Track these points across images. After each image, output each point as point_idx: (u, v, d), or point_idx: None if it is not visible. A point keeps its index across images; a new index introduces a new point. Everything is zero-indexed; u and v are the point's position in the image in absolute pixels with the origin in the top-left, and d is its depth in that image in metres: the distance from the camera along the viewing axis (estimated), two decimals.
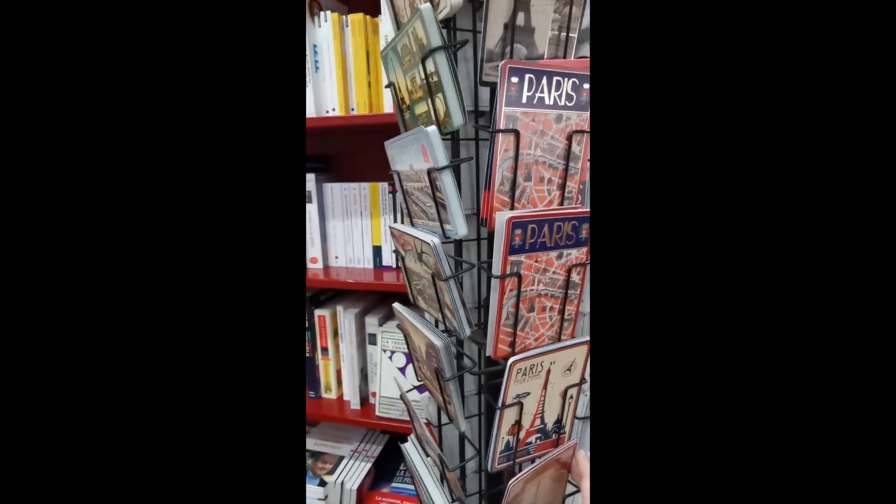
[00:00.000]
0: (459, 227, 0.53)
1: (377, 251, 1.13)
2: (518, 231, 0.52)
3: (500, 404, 0.57)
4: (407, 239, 0.61)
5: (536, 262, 0.54)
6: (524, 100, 0.51)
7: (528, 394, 0.59)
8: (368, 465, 1.17)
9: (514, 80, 0.50)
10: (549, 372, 0.59)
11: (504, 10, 0.54)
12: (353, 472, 1.15)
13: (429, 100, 0.55)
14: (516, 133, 0.52)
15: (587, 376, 0.63)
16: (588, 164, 0.56)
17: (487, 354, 0.57)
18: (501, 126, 0.51)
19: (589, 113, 0.54)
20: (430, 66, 0.52)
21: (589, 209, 0.53)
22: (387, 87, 0.66)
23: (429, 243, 0.54)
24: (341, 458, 1.20)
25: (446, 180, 0.52)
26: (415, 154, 0.55)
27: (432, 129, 0.50)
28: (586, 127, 0.55)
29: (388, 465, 1.23)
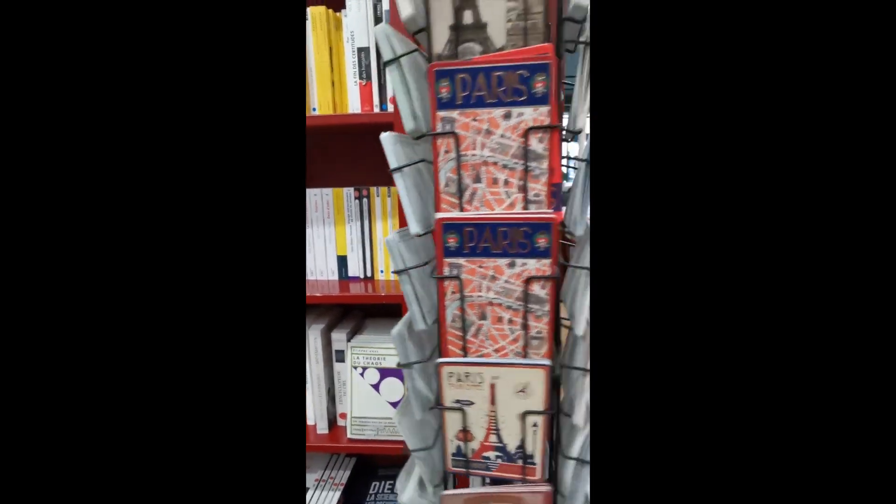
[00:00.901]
0: (412, 225, 0.55)
1: (342, 261, 1.06)
2: (451, 234, 0.52)
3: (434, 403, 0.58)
4: None
5: (481, 267, 0.53)
6: (459, 100, 0.50)
7: (472, 403, 0.58)
8: (337, 495, 1.08)
9: (444, 82, 0.50)
10: (493, 387, 0.56)
11: (447, 12, 0.52)
12: None
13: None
14: (454, 135, 0.51)
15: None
16: (560, 164, 0.53)
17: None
18: (438, 129, 0.52)
19: (549, 107, 0.48)
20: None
21: (554, 215, 0.51)
22: None
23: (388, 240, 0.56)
24: (306, 489, 1.10)
25: (398, 182, 0.54)
26: None
27: (385, 134, 0.53)
28: (547, 122, 0.49)
29: (358, 489, 1.15)
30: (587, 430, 0.56)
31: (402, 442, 0.82)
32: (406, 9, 0.52)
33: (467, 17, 0.52)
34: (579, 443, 0.57)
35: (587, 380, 0.53)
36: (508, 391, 0.56)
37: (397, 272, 0.56)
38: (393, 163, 0.54)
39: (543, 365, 0.53)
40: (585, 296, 0.52)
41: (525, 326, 0.54)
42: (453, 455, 0.61)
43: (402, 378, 0.99)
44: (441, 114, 0.51)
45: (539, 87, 0.48)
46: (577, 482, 0.59)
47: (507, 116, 0.49)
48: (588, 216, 0.52)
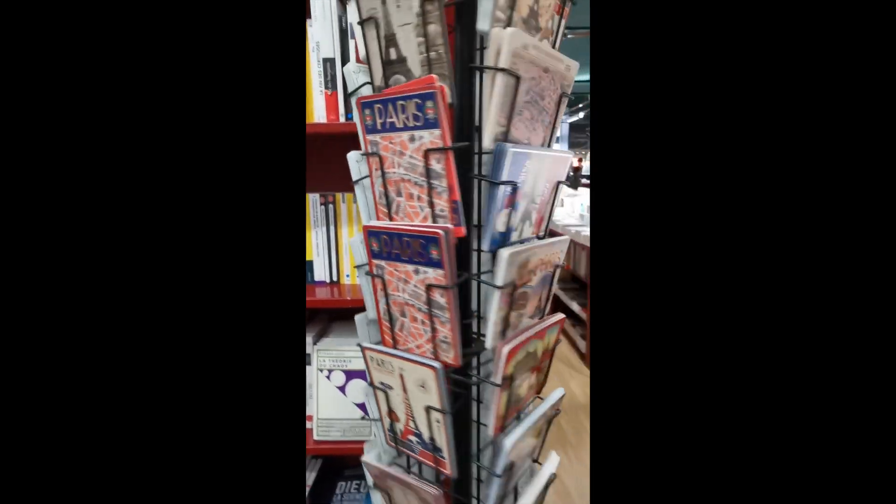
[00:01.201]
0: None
1: (309, 266, 1.07)
2: (373, 239, 0.59)
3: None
4: None
5: (396, 270, 0.59)
6: (379, 126, 0.56)
7: (391, 388, 0.65)
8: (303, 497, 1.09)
9: (367, 111, 0.57)
10: (402, 377, 0.62)
11: (376, 49, 0.59)
12: None
13: None
14: (377, 155, 0.58)
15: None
16: (456, 182, 0.54)
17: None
18: (368, 150, 0.59)
19: (440, 130, 0.52)
20: None
21: (451, 229, 0.54)
22: None
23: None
24: None
25: (357, 192, 0.67)
26: None
27: (351, 153, 0.66)
28: (440, 144, 0.52)
29: (325, 490, 1.17)
30: (498, 439, 0.61)
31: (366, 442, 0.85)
32: (361, 48, 0.61)
33: (392, 53, 0.58)
34: (489, 452, 0.62)
35: (498, 391, 0.58)
36: (413, 383, 0.61)
37: (357, 266, 0.66)
38: (354, 176, 0.63)
39: (432, 366, 0.57)
40: (492, 309, 0.56)
41: (434, 330, 0.58)
42: (389, 431, 0.69)
43: (367, 379, 1.02)
44: (369, 137, 0.58)
45: (430, 112, 0.52)
46: (487, 489, 0.65)
47: (412, 139, 0.54)
48: (491, 233, 0.55)
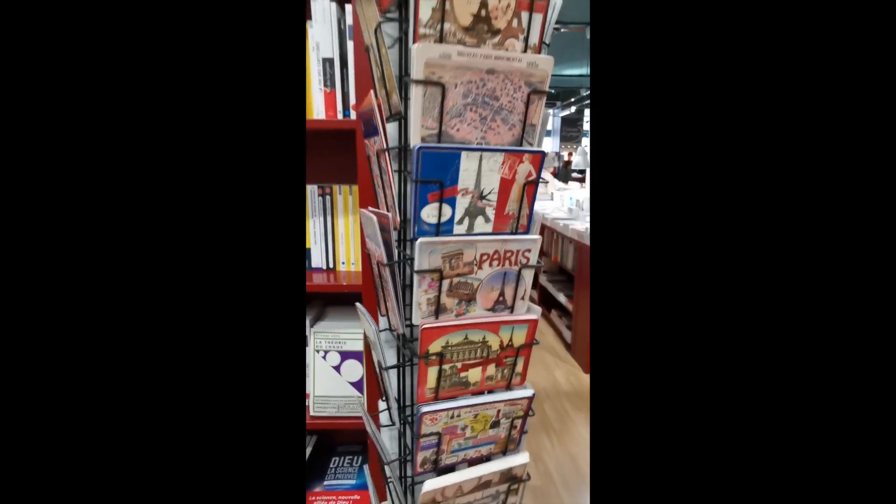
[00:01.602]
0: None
1: (307, 253, 1.14)
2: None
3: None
4: None
5: (373, 250, 0.73)
6: (369, 132, 0.69)
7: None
8: None
9: (363, 122, 0.70)
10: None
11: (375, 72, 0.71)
12: None
13: None
14: (368, 156, 0.71)
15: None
16: (392, 179, 0.63)
17: None
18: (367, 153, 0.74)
19: (379, 136, 0.62)
20: None
21: (389, 218, 0.62)
22: None
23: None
24: None
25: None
26: None
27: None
28: (383, 147, 0.63)
29: (320, 465, 1.25)
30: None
31: (360, 418, 0.92)
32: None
33: (376, 73, 0.67)
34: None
35: (420, 363, 0.66)
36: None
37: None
38: None
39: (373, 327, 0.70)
40: (415, 290, 0.62)
41: (385, 300, 0.71)
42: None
43: (360, 360, 1.09)
44: (366, 141, 0.72)
45: (376, 121, 0.61)
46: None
47: (374, 143, 0.66)
48: (418, 224, 0.61)
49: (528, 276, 0.69)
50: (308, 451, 1.24)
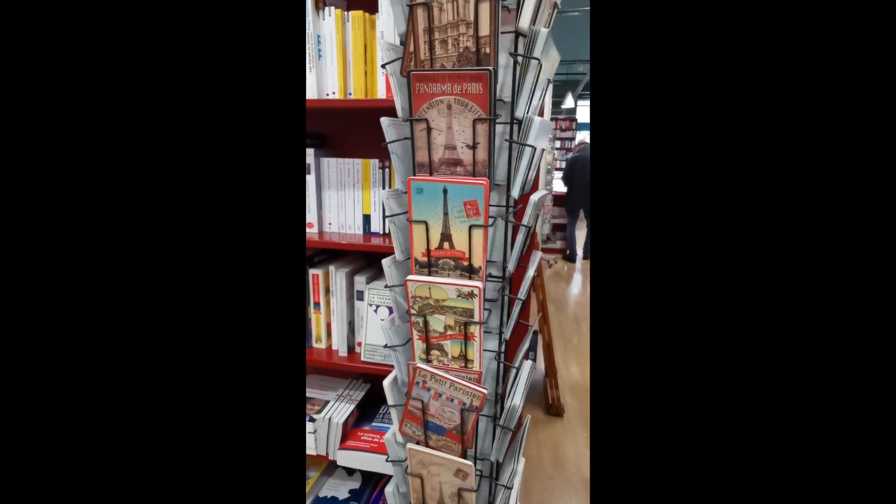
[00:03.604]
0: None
1: (367, 219, 1.29)
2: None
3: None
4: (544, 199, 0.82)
5: None
6: None
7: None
8: (352, 407, 1.34)
9: None
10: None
11: None
12: (339, 411, 1.32)
13: None
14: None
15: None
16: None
17: None
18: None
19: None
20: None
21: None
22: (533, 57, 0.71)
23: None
24: (327, 401, 1.37)
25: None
26: (546, 136, 0.79)
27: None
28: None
29: (370, 409, 1.41)
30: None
31: None
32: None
33: None
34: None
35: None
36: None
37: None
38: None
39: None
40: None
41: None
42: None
43: None
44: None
45: None
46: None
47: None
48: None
49: None
50: (361, 394, 1.40)
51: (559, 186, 5.92)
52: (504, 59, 0.70)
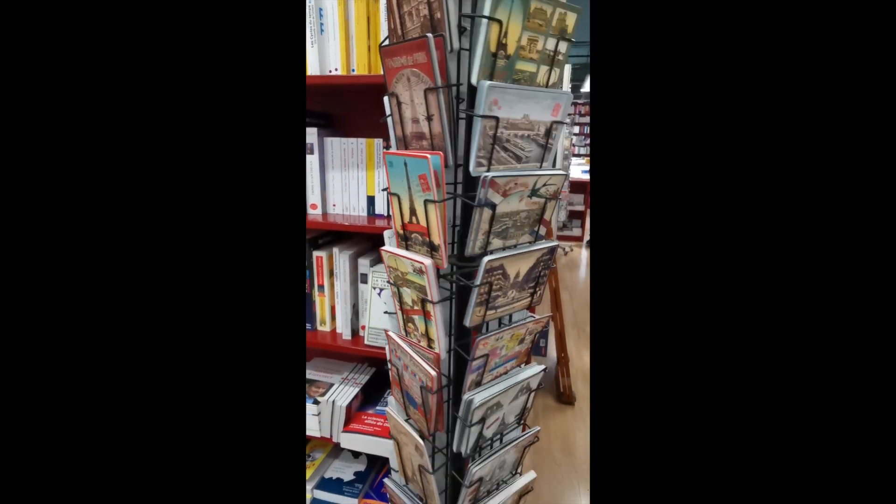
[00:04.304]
0: (551, 166, 0.76)
1: (371, 201, 1.27)
2: None
3: None
4: (526, 180, 0.70)
5: None
6: None
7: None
8: (357, 390, 1.33)
9: None
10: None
11: None
12: (344, 394, 1.31)
13: (547, 67, 0.72)
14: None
15: None
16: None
17: None
18: None
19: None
20: (562, 47, 0.71)
21: None
22: (467, 17, 0.67)
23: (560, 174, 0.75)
24: (332, 384, 1.36)
25: (564, 132, 0.74)
26: (543, 107, 0.70)
27: (568, 92, 0.72)
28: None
29: (374, 393, 1.40)
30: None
31: None
32: None
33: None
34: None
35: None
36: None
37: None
38: (565, 117, 0.76)
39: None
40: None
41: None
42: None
43: None
44: None
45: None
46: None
47: None
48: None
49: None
50: (366, 378, 1.39)
51: (576, 174, 5.80)
52: (455, 21, 0.65)
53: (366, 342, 1.24)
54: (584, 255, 5.36)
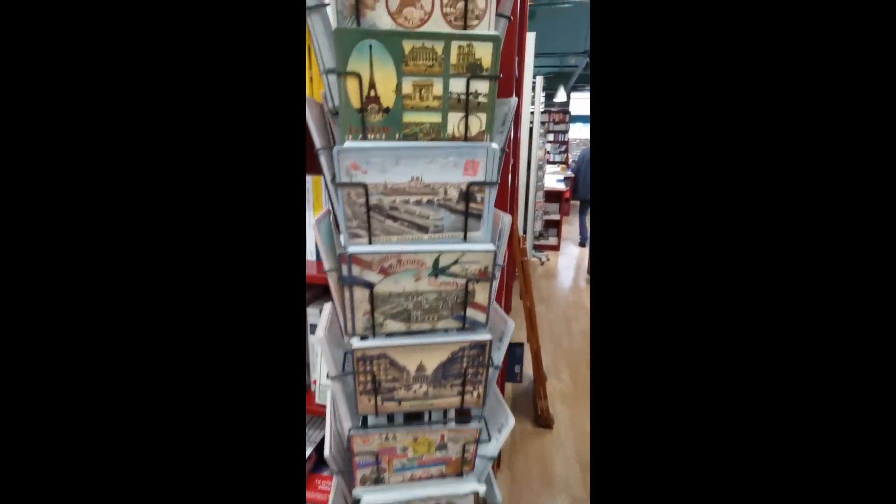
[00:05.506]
0: (488, 235, 0.61)
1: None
2: None
3: None
4: (422, 257, 0.58)
5: None
6: None
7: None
8: (309, 450, 1.21)
9: None
10: None
11: None
12: None
13: (460, 115, 0.58)
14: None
15: None
16: None
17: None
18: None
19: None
20: (479, 87, 0.56)
21: None
22: (329, 72, 0.59)
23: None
24: None
25: (492, 194, 0.58)
26: (443, 167, 0.57)
27: (495, 145, 0.57)
28: None
29: None
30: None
31: None
32: None
33: None
34: None
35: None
36: None
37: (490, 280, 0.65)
38: (495, 176, 0.65)
39: None
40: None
41: None
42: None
43: None
44: None
45: None
46: None
47: None
48: None
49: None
50: (319, 433, 1.28)
51: (551, 183, 5.79)
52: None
53: (317, 401, 1.13)
54: (560, 262, 5.34)
